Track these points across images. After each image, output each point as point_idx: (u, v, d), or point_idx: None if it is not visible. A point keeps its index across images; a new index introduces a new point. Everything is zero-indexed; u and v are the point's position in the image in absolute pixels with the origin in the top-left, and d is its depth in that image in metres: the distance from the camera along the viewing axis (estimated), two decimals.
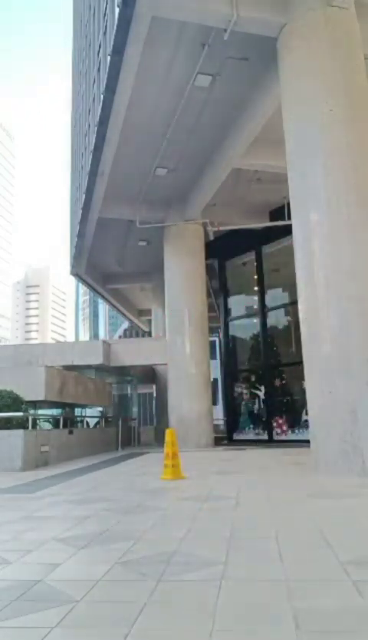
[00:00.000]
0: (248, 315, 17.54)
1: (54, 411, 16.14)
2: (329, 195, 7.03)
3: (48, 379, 12.44)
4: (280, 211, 14.10)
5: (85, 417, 18.61)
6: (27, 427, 10.00)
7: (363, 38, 7.95)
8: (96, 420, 18.08)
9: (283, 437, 14.77)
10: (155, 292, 23.77)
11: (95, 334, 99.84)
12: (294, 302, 12.80)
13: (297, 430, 14.45)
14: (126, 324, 44.69)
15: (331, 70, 7.40)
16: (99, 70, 13.30)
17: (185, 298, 14.88)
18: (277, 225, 13.52)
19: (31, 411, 11.52)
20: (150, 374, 23.02)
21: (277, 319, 16.25)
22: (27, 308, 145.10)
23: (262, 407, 15.76)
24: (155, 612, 2.12)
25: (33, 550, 3.22)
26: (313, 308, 7.06)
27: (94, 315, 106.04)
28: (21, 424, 9.99)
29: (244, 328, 17.64)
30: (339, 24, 7.60)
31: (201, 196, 14.05)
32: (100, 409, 18.49)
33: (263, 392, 15.80)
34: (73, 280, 50.72)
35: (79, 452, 11.71)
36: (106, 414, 17.76)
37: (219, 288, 18.42)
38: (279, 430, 15.02)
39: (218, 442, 15.38)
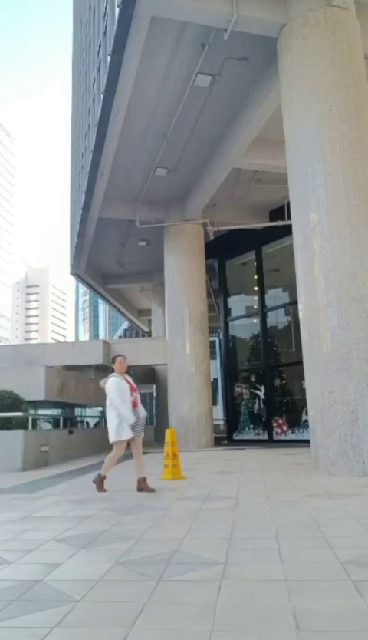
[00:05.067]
0: (248, 315, 17.52)
1: (54, 411, 16.16)
2: (329, 195, 7.03)
3: (48, 379, 12.45)
4: (280, 211, 14.11)
5: (85, 417, 18.63)
6: (27, 427, 10.00)
7: (363, 38, 7.96)
8: (96, 420, 18.09)
9: (283, 437, 14.77)
10: (155, 292, 23.77)
11: (95, 335, 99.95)
12: (294, 302, 12.81)
13: (297, 430, 14.44)
14: (126, 325, 44.72)
15: (331, 71, 7.40)
16: (99, 70, 13.30)
17: (185, 298, 14.88)
18: (277, 225, 13.51)
19: (31, 411, 11.53)
20: (150, 374, 23.02)
21: (277, 319, 16.24)
22: (27, 308, 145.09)
23: (262, 407, 15.76)
24: (155, 612, 2.12)
25: (33, 550, 3.22)
26: (313, 308, 7.06)
27: (94, 315, 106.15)
28: (21, 424, 9.99)
29: (244, 328, 17.64)
30: (339, 24, 7.59)
31: (201, 196, 14.05)
32: (100, 409, 18.49)
33: (263, 392, 15.79)
34: (73, 280, 50.77)
35: (79, 452, 11.72)
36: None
37: (219, 288, 18.42)
38: (279, 430, 15.02)
39: (218, 442, 15.38)
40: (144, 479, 5.72)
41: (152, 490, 5.59)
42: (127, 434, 5.65)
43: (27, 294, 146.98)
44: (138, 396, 5.97)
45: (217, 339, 23.97)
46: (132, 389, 5.88)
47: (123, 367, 6.00)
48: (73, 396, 14.12)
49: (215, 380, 23.16)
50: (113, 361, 6.08)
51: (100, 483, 5.73)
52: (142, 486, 5.67)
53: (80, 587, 2.46)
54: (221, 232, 15.42)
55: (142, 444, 5.97)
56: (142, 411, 5.97)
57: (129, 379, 6.03)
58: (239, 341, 17.76)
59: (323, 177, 7.12)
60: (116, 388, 5.72)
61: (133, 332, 40.47)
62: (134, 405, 5.80)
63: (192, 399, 14.21)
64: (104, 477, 5.78)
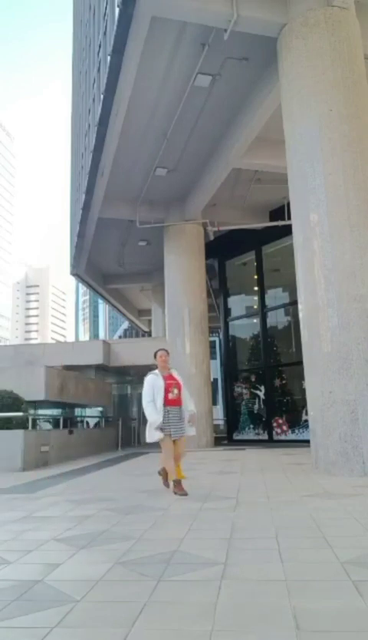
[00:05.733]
0: (248, 315, 17.52)
1: (54, 411, 16.16)
2: (329, 195, 7.03)
3: (48, 379, 12.45)
4: (280, 211, 14.11)
5: (85, 417, 18.62)
6: (27, 427, 10.00)
7: (363, 38, 7.96)
8: (96, 420, 18.09)
9: (283, 437, 14.77)
10: (155, 292, 23.77)
11: (95, 335, 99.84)
12: (294, 302, 12.81)
13: (297, 430, 14.44)
14: (126, 325, 44.69)
15: (331, 71, 7.40)
16: (99, 70, 13.30)
17: (185, 298, 14.87)
18: (277, 225, 13.51)
19: (31, 411, 11.53)
20: None
21: (277, 319, 16.24)
22: (27, 308, 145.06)
23: (262, 407, 15.76)
24: (155, 612, 2.12)
25: (33, 550, 3.22)
26: (313, 308, 7.06)
27: (94, 315, 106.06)
28: (21, 424, 9.99)
29: (244, 328, 17.64)
30: (339, 24, 7.60)
31: (201, 196, 14.05)
32: (100, 409, 18.49)
33: (263, 392, 15.79)
34: (73, 280, 50.66)
35: (79, 452, 11.72)
36: (106, 414, 17.75)
37: (219, 288, 18.42)
38: (279, 430, 15.02)
39: (218, 442, 15.38)
40: (171, 477, 5.41)
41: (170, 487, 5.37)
42: (157, 435, 5.27)
43: (27, 294, 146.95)
44: (183, 392, 5.52)
45: (217, 339, 23.96)
46: (170, 386, 5.42)
47: (163, 362, 5.61)
48: (73, 396, 14.12)
49: (215, 380, 23.13)
50: (155, 355, 5.73)
51: (164, 479, 5.46)
52: (167, 483, 5.50)
53: (80, 587, 2.45)
54: (221, 232, 15.41)
55: (184, 445, 5.49)
56: (188, 409, 5.49)
57: (175, 374, 5.61)
58: (239, 341, 17.76)
59: (323, 177, 7.12)
60: (148, 388, 5.43)
61: (133, 332, 40.44)
62: (173, 403, 5.39)
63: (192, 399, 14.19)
64: (174, 479, 5.34)
